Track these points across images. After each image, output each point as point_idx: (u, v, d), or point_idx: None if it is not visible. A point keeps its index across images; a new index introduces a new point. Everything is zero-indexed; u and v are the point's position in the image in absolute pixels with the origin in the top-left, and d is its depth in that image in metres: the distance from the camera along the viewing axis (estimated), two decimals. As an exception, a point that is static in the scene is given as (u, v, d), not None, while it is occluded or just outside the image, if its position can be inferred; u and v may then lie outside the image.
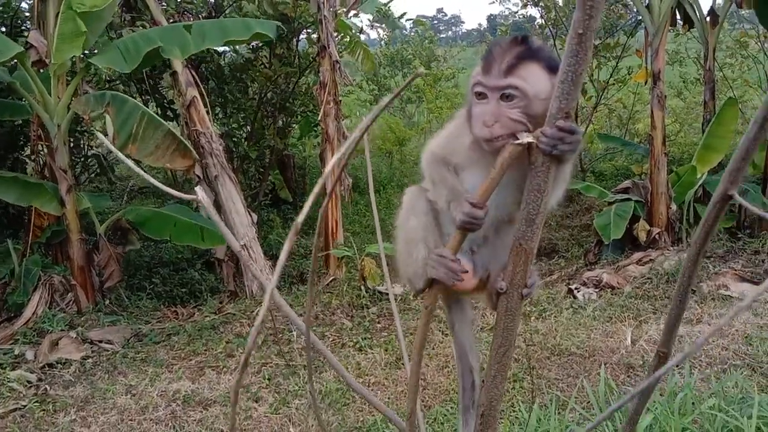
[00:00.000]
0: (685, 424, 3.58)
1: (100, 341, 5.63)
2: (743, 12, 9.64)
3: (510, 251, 1.18)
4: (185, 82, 6.70)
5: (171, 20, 6.97)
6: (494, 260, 1.41)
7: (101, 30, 6.56)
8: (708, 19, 8.51)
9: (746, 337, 5.28)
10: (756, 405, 3.58)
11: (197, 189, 1.28)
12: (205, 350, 5.52)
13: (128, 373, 5.12)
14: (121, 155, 1.45)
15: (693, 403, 3.77)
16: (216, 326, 6.00)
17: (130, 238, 6.73)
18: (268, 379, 4.93)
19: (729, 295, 6.17)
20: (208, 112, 7.07)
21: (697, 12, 8.49)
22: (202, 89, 6.97)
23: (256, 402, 4.65)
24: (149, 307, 6.69)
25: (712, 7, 8.72)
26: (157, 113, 8.40)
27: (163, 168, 8.40)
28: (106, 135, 6.02)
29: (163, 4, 7.14)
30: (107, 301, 6.47)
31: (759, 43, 11.49)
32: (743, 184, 7.75)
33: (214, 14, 7.81)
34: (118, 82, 8.46)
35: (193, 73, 6.72)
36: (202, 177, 6.98)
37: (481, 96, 1.32)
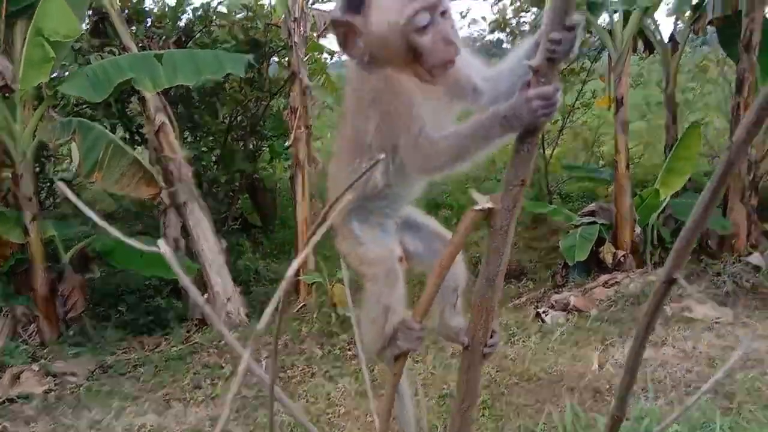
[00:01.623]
0: (651, 451, 3.63)
1: (64, 374, 5.50)
2: (704, 37, 9.93)
3: (471, 308, 1.21)
4: (154, 108, 6.66)
5: (140, 45, 6.95)
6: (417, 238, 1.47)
7: (67, 55, 6.50)
8: (669, 45, 8.77)
9: (710, 359, 5.38)
10: (718, 430, 3.66)
11: (160, 242, 1.27)
12: (172, 381, 5.43)
13: (92, 407, 5.00)
14: (87, 210, 1.44)
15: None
16: (183, 356, 5.91)
17: (91, 267, 6.61)
18: (237, 412, 4.86)
19: (692, 318, 6.29)
20: (177, 137, 7.03)
21: (658, 38, 8.75)
22: (171, 114, 6.92)
23: (225, 434, 4.59)
24: (114, 337, 6.55)
25: (672, 33, 9.00)
26: (125, 138, 8.32)
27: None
28: (71, 162, 5.96)
29: (133, 28, 7.11)
30: (71, 332, 6.32)
31: (719, 68, 11.85)
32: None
33: (184, 39, 7.79)
34: (85, 106, 8.36)
35: (162, 99, 6.68)
36: (170, 203, 6.92)
37: (424, 29, 1.22)
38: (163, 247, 1.31)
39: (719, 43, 8.44)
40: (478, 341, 1.19)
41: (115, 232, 1.39)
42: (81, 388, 5.32)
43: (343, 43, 1.28)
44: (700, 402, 4.42)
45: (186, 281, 1.32)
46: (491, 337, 1.25)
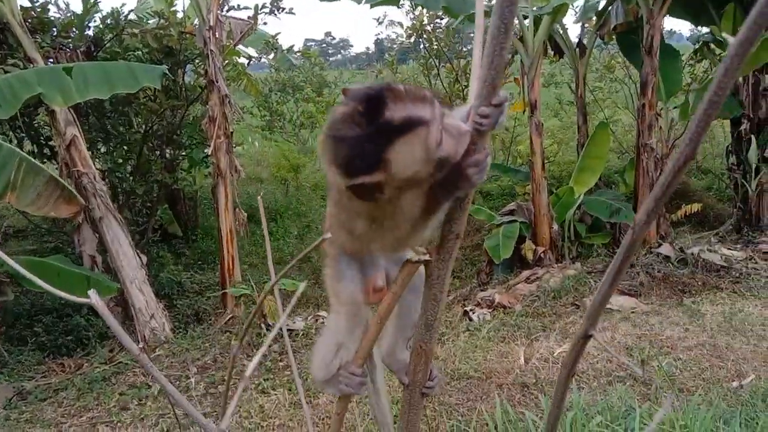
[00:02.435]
0: (579, 444, 3.80)
1: (-22, 405, 5.20)
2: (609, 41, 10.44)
3: (411, 352, 1.26)
4: (64, 121, 6.38)
5: (47, 56, 6.63)
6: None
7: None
8: (577, 49, 9.17)
9: (627, 348, 5.67)
10: (637, 417, 3.87)
11: (91, 293, 1.25)
12: (97, 405, 5.23)
13: (12, 438, 4.77)
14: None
15: (583, 423, 4.01)
16: (107, 377, 5.70)
17: (4, 289, 6.27)
18: (167, 432, 4.76)
19: (610, 309, 6.60)
20: (89, 149, 6.76)
21: (566, 43, 9.13)
22: (80, 127, 6.64)
23: (156, 457, 4.47)
24: (32, 360, 6.25)
25: (580, 38, 9.41)
26: (33, 152, 7.92)
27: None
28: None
29: (37, 38, 6.77)
30: (-16, 359, 6.00)
31: (624, 69, 12.51)
32: (616, 203, 8.38)
33: (93, 49, 7.49)
34: (-13, 119, 7.91)
35: (72, 113, 6.40)
36: (85, 219, 6.66)
37: (441, 142, 1.20)
38: (93, 297, 1.29)
39: (620, 48, 8.93)
40: (418, 382, 1.25)
41: (38, 281, 1.35)
42: (-2, 419, 5.05)
43: (363, 196, 1.23)
44: (621, 391, 4.67)
45: (119, 331, 1.31)
46: (431, 378, 1.30)
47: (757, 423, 3.94)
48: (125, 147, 8.97)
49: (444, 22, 10.31)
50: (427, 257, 1.18)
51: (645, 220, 0.85)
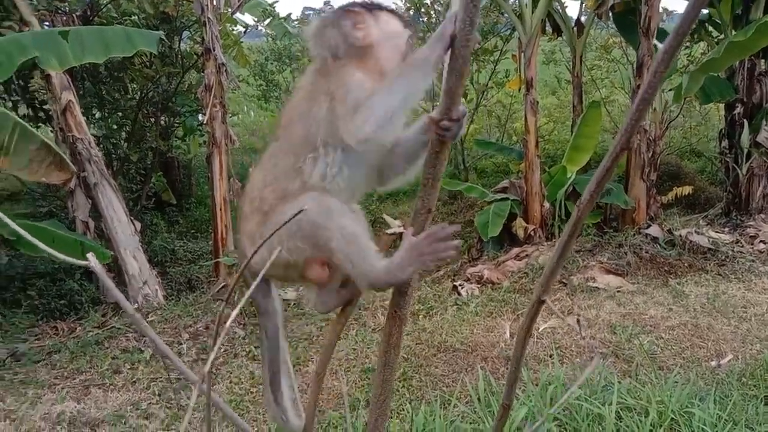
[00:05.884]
0: (556, 415, 3.92)
1: (-28, 364, 5.29)
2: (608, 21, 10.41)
3: (387, 318, 1.33)
4: (60, 86, 6.37)
5: (43, 20, 6.60)
6: None
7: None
8: (575, 28, 9.15)
9: (611, 326, 5.78)
10: (615, 392, 3.99)
11: (90, 256, 1.31)
12: (90, 368, 5.32)
13: (6, 397, 4.85)
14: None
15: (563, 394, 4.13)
16: (100, 341, 5.78)
17: (-2, 251, 6.32)
18: (159, 395, 4.85)
19: (596, 287, 6.72)
20: (84, 114, 6.76)
21: (565, 21, 9.11)
22: (75, 92, 6.63)
23: (147, 419, 4.57)
24: (26, 323, 6.34)
25: (578, 17, 9.38)
26: (28, 115, 7.93)
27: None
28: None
29: (33, 1, 6.73)
30: (-22, 320, 6.08)
31: (622, 48, 12.48)
32: (607, 183, 8.46)
33: (90, 13, 7.45)
34: (-18, 82, 7.88)
35: (68, 77, 6.39)
36: (78, 184, 6.69)
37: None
38: (92, 259, 1.35)
39: (618, 28, 8.91)
40: (393, 344, 1.31)
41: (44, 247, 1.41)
42: (-8, 379, 5.14)
43: (351, 30, 1.48)
44: (600, 367, 4.78)
45: (115, 291, 1.37)
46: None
47: (730, 400, 4.07)
48: (120, 113, 8.98)
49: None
50: (402, 230, 1.25)
51: (588, 199, 0.92)
